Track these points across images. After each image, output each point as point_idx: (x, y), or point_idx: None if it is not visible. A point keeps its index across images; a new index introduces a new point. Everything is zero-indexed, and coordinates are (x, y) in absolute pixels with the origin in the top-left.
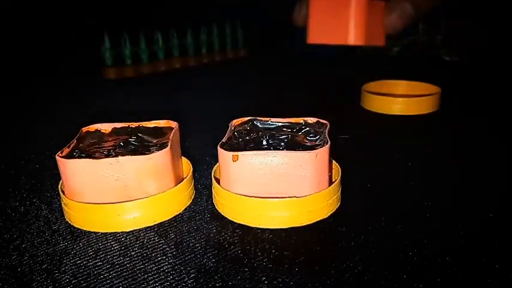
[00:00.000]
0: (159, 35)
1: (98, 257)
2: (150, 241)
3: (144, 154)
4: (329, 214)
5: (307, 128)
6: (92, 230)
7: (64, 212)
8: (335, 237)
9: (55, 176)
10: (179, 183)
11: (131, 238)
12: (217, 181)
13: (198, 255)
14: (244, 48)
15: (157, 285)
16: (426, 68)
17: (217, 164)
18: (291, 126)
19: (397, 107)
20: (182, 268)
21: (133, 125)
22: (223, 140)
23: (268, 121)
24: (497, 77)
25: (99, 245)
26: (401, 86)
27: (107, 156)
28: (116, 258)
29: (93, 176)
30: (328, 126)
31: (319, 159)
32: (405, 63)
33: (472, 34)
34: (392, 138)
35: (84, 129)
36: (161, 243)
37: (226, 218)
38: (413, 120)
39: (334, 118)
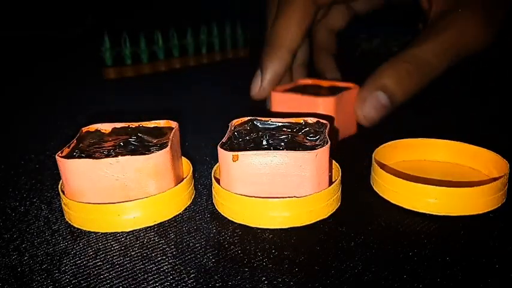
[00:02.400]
0: (159, 35)
1: (98, 257)
2: (150, 241)
3: (144, 154)
4: (329, 214)
5: (307, 128)
6: (91, 230)
7: (64, 212)
8: (335, 237)
9: (55, 176)
10: (179, 183)
11: (131, 238)
12: (217, 181)
13: (198, 255)
14: (244, 48)
15: (157, 285)
16: None
17: (217, 164)
18: (291, 126)
19: None
20: (182, 268)
21: (133, 125)
22: (223, 140)
23: (268, 121)
24: (497, 78)
25: (99, 245)
26: None
27: (107, 156)
28: (116, 258)
29: (93, 176)
30: (328, 126)
31: (319, 159)
32: None
33: None
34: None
35: (84, 129)
36: (161, 243)
37: (226, 218)
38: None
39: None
